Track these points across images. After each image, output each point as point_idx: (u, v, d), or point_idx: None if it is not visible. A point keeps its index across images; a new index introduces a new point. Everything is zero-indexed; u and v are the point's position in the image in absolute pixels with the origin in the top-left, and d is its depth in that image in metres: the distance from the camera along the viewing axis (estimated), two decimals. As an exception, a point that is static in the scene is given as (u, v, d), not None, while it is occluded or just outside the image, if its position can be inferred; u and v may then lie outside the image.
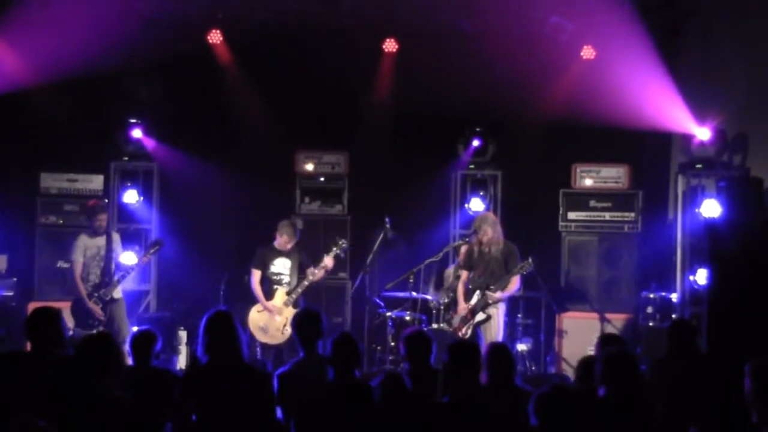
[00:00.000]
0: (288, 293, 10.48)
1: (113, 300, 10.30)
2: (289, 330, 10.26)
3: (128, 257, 10.62)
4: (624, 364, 5.77)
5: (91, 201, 10.79)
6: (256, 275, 10.50)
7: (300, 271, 10.59)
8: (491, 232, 9.79)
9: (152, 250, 10.54)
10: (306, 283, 10.49)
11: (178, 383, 6.14)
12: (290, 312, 10.31)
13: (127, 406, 5.27)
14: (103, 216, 10.49)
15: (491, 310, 9.68)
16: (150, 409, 5.60)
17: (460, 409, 5.47)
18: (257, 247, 10.70)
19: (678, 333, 7.33)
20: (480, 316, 9.70)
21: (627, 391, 5.47)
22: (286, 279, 10.57)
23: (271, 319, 10.39)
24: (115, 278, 10.33)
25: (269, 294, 10.49)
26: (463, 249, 10.37)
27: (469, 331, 9.71)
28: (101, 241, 10.44)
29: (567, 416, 4.24)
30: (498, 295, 9.61)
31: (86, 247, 10.41)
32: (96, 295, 10.23)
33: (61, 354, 6.15)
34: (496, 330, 9.66)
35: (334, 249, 10.59)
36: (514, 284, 9.75)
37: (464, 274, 10.07)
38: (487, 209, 11.78)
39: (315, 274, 10.47)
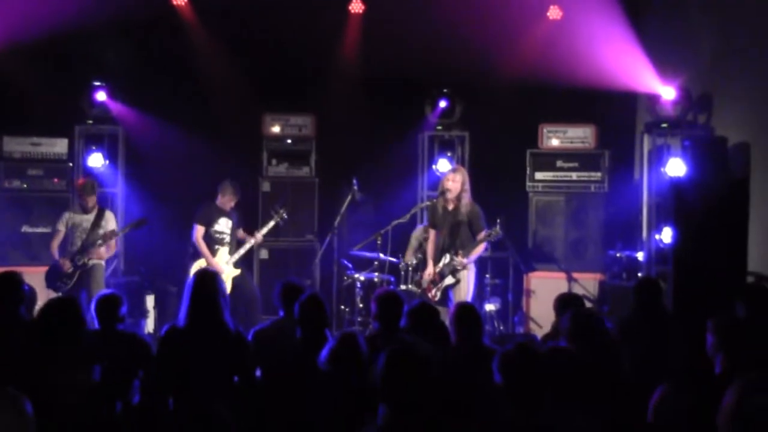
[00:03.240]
0: (230, 253, 10.65)
1: (86, 265, 10.15)
2: (229, 288, 10.46)
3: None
4: (592, 322, 5.82)
5: (80, 180, 10.65)
6: (200, 230, 10.65)
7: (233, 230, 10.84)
8: (458, 185, 9.65)
9: (133, 224, 10.41)
10: (248, 246, 10.74)
11: (145, 347, 6.15)
12: (231, 271, 10.64)
13: (90, 368, 5.26)
14: (90, 198, 10.33)
15: (461, 274, 9.67)
16: (115, 373, 5.58)
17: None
18: (200, 203, 10.80)
19: (644, 291, 7.38)
20: (449, 280, 9.68)
21: (595, 349, 5.51)
22: (227, 239, 10.74)
23: None
24: (93, 244, 10.22)
25: (211, 252, 10.64)
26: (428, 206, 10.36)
27: (439, 294, 9.68)
28: (90, 216, 10.35)
29: (530, 373, 4.26)
30: (465, 260, 9.58)
31: (72, 221, 10.32)
32: (71, 260, 10.14)
33: (22, 319, 6.13)
34: (465, 292, 9.61)
35: (275, 217, 10.77)
36: (481, 247, 9.73)
37: (432, 233, 10.01)
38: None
39: (257, 239, 10.80)
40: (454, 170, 9.92)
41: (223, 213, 10.73)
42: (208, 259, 10.57)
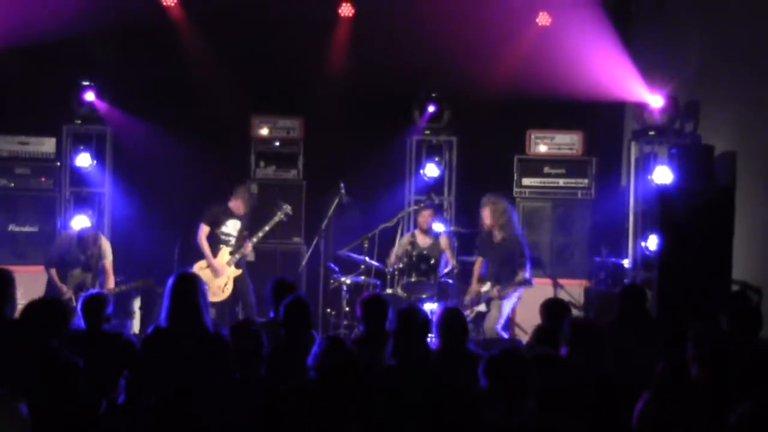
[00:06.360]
0: (231, 253, 10.66)
1: None
2: (230, 288, 10.66)
3: (81, 221, 10.55)
4: (590, 329, 5.87)
5: (84, 233, 10.29)
6: (204, 230, 10.68)
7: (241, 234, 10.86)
8: (488, 219, 10.16)
9: (137, 284, 10.37)
10: (249, 246, 10.78)
11: (130, 347, 6.14)
12: (233, 271, 10.70)
13: (73, 369, 5.26)
14: (93, 248, 10.17)
15: (492, 304, 10.04)
16: (100, 372, 5.58)
17: (407, 373, 5.50)
18: (210, 203, 10.83)
19: (628, 297, 7.42)
20: (482, 307, 10.09)
21: (589, 355, 5.55)
22: (232, 240, 10.79)
23: (213, 277, 10.49)
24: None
25: (213, 252, 10.68)
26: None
27: (471, 316, 10.09)
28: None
29: (516, 378, 4.29)
30: (497, 293, 9.97)
31: (68, 250, 10.19)
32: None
33: (9, 318, 6.13)
34: (494, 320, 10.00)
35: (278, 213, 10.73)
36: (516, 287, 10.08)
37: (479, 260, 10.45)
38: (442, 175, 11.90)
39: (247, 249, 10.79)
40: (483, 204, 10.25)
41: (232, 215, 10.79)
42: (209, 259, 10.61)
